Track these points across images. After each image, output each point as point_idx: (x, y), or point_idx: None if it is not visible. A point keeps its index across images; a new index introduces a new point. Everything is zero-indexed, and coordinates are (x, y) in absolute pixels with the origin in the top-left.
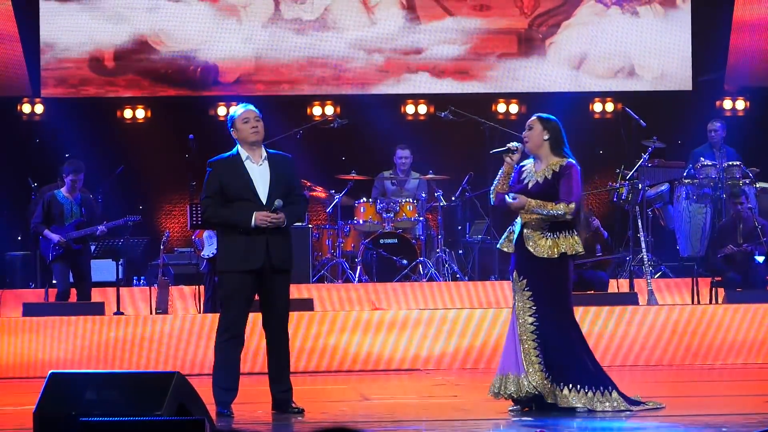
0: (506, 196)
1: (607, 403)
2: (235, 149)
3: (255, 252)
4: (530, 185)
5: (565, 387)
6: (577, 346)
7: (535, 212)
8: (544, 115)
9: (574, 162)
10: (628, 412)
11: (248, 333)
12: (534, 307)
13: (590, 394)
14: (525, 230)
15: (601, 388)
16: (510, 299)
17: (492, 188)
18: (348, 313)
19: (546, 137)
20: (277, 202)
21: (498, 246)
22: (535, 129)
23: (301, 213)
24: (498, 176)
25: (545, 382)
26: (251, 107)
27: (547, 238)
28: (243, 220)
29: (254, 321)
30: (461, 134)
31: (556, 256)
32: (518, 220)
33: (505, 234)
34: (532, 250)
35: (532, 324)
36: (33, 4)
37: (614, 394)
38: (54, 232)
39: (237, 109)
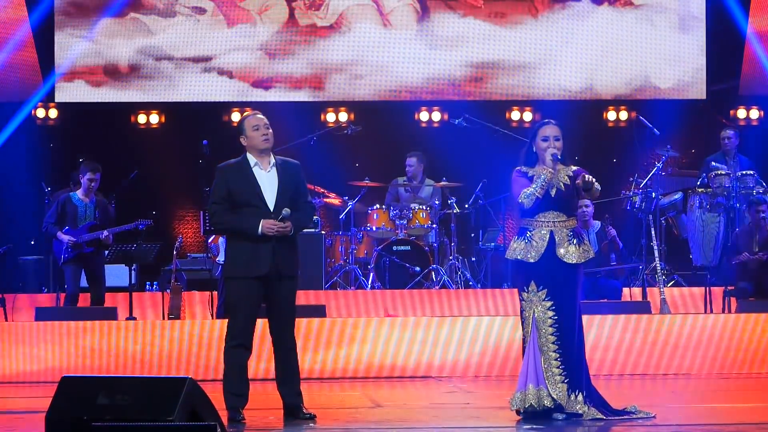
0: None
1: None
2: (243, 155)
3: (261, 258)
4: (552, 192)
5: (580, 393)
6: (584, 351)
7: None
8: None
9: (579, 167)
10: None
11: (259, 339)
12: (555, 317)
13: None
14: (556, 237)
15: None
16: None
17: (531, 193)
18: (360, 320)
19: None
20: (285, 211)
21: (518, 257)
22: (561, 140)
23: (307, 221)
24: (539, 183)
25: (566, 392)
26: (260, 114)
27: (572, 245)
28: (249, 227)
29: (264, 327)
30: (475, 141)
31: (584, 260)
32: (536, 228)
33: (519, 244)
34: (563, 258)
35: (552, 335)
36: (47, 9)
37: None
38: (67, 233)
39: (247, 117)
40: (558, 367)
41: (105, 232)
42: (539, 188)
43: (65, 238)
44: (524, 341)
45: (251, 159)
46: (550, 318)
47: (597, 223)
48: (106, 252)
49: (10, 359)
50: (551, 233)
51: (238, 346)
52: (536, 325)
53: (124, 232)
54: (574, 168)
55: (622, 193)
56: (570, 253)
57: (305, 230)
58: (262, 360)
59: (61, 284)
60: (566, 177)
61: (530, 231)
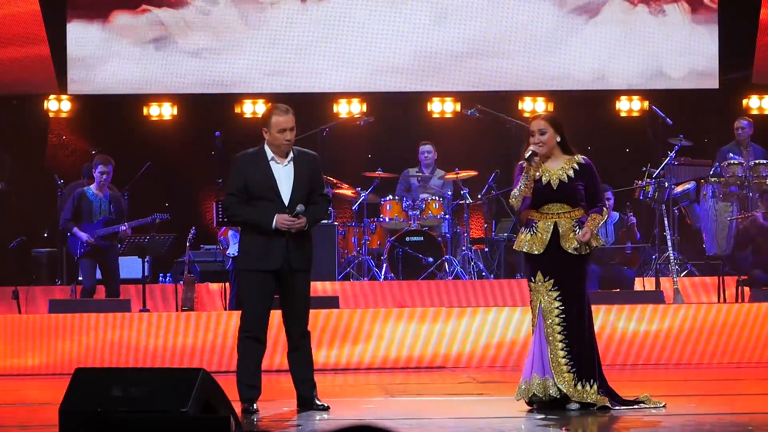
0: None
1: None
2: (261, 146)
3: (274, 252)
4: (554, 185)
5: (595, 383)
6: (594, 341)
7: (595, 231)
8: (550, 116)
9: (587, 159)
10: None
11: (273, 331)
12: (561, 307)
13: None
14: (560, 229)
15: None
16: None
17: (517, 193)
18: (373, 311)
19: (558, 139)
20: (299, 207)
21: (524, 249)
22: (548, 133)
23: (322, 214)
24: (523, 181)
25: (572, 383)
26: (291, 115)
27: (576, 235)
28: (264, 220)
29: (279, 318)
30: (487, 132)
31: (588, 251)
32: (540, 220)
33: (526, 236)
34: (567, 249)
35: (559, 324)
36: (59, 2)
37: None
38: (83, 229)
39: (276, 115)
40: (564, 357)
41: (123, 226)
42: (523, 188)
43: (83, 235)
44: (533, 331)
45: (269, 152)
46: (557, 308)
47: (615, 214)
48: (120, 245)
49: (23, 352)
50: (555, 224)
51: (251, 338)
52: (542, 314)
53: (139, 225)
54: (581, 160)
55: (634, 182)
56: (574, 243)
57: None
58: (276, 351)
59: (75, 277)
60: (570, 167)
61: (535, 222)
